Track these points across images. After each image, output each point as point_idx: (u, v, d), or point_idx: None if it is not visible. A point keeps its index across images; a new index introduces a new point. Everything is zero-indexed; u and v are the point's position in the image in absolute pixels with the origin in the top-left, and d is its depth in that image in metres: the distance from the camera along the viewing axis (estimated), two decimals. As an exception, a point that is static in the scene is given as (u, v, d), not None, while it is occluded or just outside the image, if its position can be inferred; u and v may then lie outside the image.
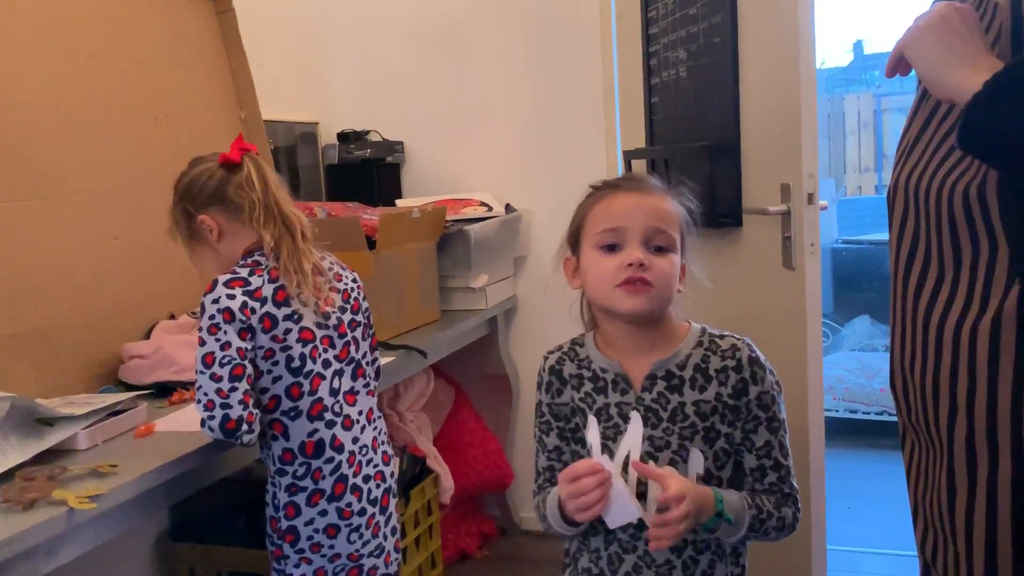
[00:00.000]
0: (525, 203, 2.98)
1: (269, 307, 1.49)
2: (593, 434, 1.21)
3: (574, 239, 1.24)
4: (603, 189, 1.22)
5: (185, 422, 1.63)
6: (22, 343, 1.75)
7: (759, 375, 1.17)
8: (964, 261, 0.94)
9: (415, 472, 2.55)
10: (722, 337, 1.20)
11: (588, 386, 1.22)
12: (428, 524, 2.57)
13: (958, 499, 0.94)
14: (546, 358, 1.28)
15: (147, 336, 2.00)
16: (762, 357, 1.19)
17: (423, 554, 2.54)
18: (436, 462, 2.66)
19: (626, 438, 1.17)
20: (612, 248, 1.15)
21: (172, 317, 2.08)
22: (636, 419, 1.16)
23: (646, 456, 1.16)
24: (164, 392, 1.84)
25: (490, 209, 2.90)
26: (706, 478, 1.16)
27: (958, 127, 0.90)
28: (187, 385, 1.83)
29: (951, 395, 0.94)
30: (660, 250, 1.15)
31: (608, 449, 1.18)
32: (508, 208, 2.94)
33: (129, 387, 1.86)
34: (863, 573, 2.70)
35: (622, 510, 1.11)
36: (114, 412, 1.61)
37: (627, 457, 1.16)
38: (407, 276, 2.45)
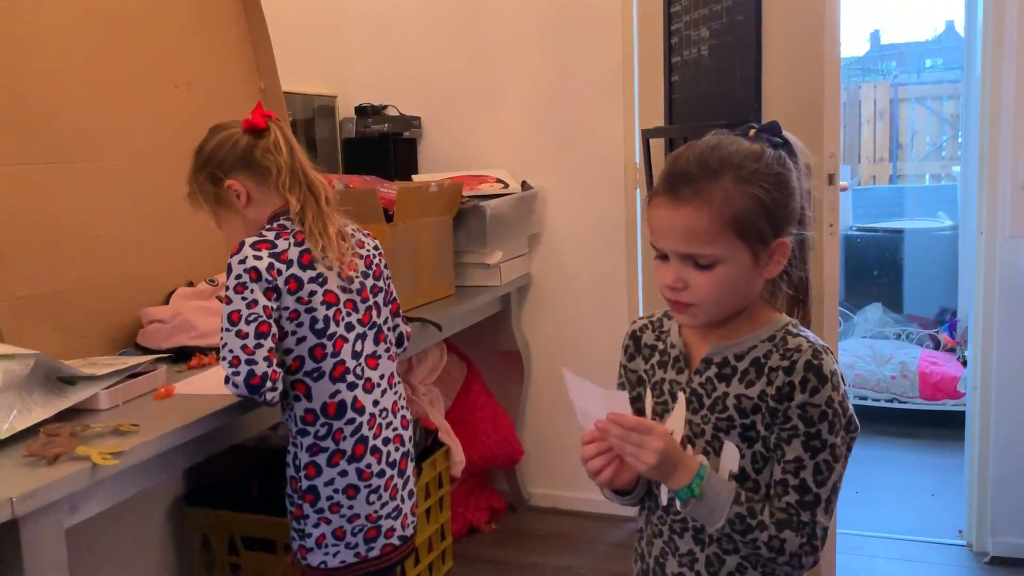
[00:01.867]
0: (541, 180, 2.98)
1: (295, 269, 1.50)
2: (648, 407, 1.19)
3: None
4: (656, 183, 1.13)
5: (204, 386, 1.65)
6: (43, 304, 1.77)
7: (811, 384, 1.05)
8: None
9: (427, 444, 2.57)
10: (796, 336, 1.10)
11: (655, 358, 1.21)
12: (439, 496, 2.59)
13: None
14: (634, 323, 1.27)
15: (166, 302, 2.01)
16: (827, 369, 1.06)
17: (433, 526, 2.56)
18: (447, 435, 2.67)
19: (670, 419, 1.15)
20: (662, 256, 1.11)
21: (190, 284, 2.09)
22: (681, 401, 1.13)
23: (685, 440, 1.13)
24: (182, 357, 1.86)
25: (506, 186, 2.90)
26: (740, 477, 1.10)
27: None
28: (205, 350, 1.85)
29: None
30: (703, 266, 1.07)
31: None
32: (524, 185, 2.94)
33: (147, 351, 1.87)
34: (870, 556, 2.71)
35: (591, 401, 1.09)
36: (134, 374, 1.62)
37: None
38: (423, 250, 2.46)
